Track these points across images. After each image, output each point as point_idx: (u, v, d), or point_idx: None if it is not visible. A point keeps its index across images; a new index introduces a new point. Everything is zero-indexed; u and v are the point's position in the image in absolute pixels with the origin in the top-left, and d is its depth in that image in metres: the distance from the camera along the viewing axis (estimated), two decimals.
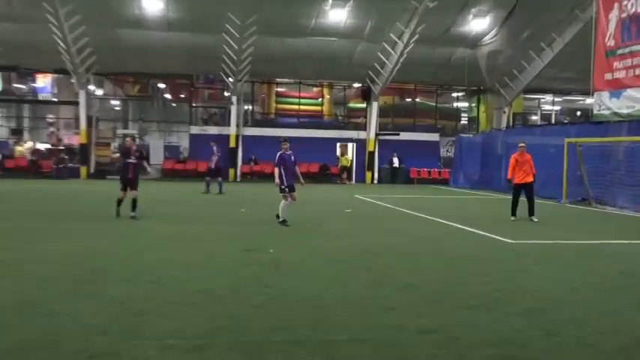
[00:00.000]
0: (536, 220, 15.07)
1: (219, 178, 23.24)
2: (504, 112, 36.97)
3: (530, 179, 15.32)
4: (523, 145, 15.93)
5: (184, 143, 37.69)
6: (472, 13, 30.53)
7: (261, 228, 13.07)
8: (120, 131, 39.60)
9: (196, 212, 16.49)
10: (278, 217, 13.42)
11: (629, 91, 19.99)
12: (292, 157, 13.70)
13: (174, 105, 40.58)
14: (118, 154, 25.72)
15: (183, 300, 6.52)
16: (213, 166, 23.38)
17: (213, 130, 36.55)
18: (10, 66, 35.43)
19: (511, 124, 36.22)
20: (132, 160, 14.32)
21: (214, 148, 23.61)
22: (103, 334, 5.26)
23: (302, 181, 14.01)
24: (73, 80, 33.15)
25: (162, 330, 5.40)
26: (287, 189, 13.32)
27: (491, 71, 35.23)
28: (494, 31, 32.04)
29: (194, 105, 38.11)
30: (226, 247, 10.31)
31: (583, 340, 5.40)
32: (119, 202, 14.14)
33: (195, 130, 36.78)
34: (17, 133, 39.15)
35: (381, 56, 32.68)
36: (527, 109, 41.85)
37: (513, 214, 15.42)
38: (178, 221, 14.10)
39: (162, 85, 39.96)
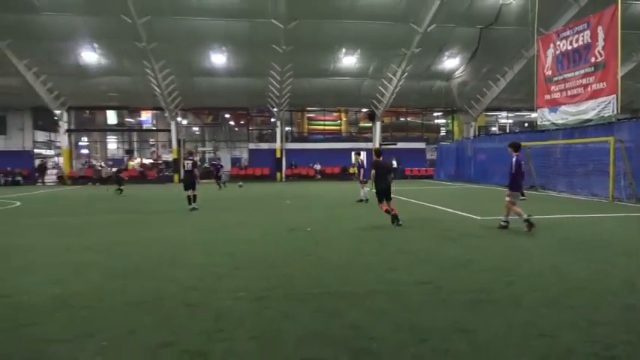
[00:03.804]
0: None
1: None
2: (471, 126, 36.71)
3: None
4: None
5: (245, 155, 38.06)
6: (446, 55, 30.20)
7: (301, 213, 13.08)
8: (200, 149, 40.14)
9: (251, 204, 16.43)
10: (361, 200, 15.60)
11: (563, 107, 19.60)
12: (364, 164, 16.22)
13: (236, 129, 40.97)
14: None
15: (248, 266, 6.54)
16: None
17: (264, 145, 36.83)
18: (123, 106, 36.14)
19: (477, 134, 35.81)
20: None
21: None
22: (195, 290, 5.35)
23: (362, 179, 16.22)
24: (166, 114, 33.69)
25: (234, 287, 5.46)
26: (365, 180, 15.76)
27: (461, 96, 34.89)
28: (462, 67, 31.63)
29: (250, 128, 38.40)
30: (276, 227, 10.29)
31: (535, 287, 5.33)
32: None
33: (252, 145, 37.11)
34: (129, 152, 39.96)
35: (381, 89, 32.60)
36: (488, 123, 41.26)
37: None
38: (238, 211, 14.11)
39: (227, 115, 40.36)
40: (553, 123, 20.26)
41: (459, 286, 5.40)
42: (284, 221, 11.26)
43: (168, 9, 24.34)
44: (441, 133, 41.78)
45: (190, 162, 14.17)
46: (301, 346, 3.79)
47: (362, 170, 16.17)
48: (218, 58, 29.02)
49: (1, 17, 24.35)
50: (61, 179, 34.29)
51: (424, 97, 35.03)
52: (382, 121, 36.86)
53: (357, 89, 33.42)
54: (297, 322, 4.32)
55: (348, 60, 30.00)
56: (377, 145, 36.10)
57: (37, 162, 35.35)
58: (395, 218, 10.11)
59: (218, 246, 8.16)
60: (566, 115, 19.44)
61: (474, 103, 35.08)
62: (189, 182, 13.98)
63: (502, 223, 9.50)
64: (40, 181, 34.19)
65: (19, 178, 33.39)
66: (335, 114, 40.35)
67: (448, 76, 32.84)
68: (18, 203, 17.88)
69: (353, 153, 16.90)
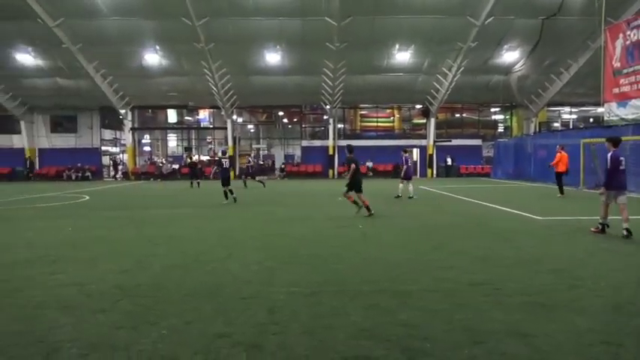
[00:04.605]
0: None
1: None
2: (532, 122, 35.18)
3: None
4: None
5: (297, 152, 38.48)
6: (505, 48, 29.07)
7: (353, 210, 13.01)
8: (254, 146, 40.98)
9: (304, 201, 16.61)
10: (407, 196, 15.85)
11: (634, 101, 18.41)
12: (408, 161, 16.33)
13: (289, 126, 41.44)
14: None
15: (300, 261, 6.62)
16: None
17: (317, 142, 37.07)
18: (182, 105, 37.56)
19: (537, 130, 34.26)
20: None
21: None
22: (249, 283, 5.48)
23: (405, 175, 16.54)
24: (222, 113, 34.67)
25: (287, 281, 5.55)
26: (405, 179, 16.34)
27: (521, 91, 33.47)
28: (522, 60, 30.33)
29: (303, 126, 38.76)
30: (328, 224, 10.32)
31: (598, 292, 5.04)
32: None
33: (305, 143, 37.48)
34: (188, 149, 41.42)
35: (436, 84, 31.86)
36: (549, 119, 39.31)
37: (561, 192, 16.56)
38: (291, 207, 14.28)
39: (281, 113, 40.91)
40: (622, 118, 19.06)
41: (517, 288, 5.19)
42: (335, 218, 11.29)
43: (225, 10, 25.03)
44: (499, 130, 40.35)
45: (228, 160, 15.78)
46: (353, 343, 3.79)
47: (405, 167, 16.22)
48: (272, 57, 29.49)
49: (73, 23, 26.00)
50: (125, 175, 36.25)
51: (481, 92, 33.91)
52: (436, 118, 36.08)
53: (410, 85, 32.87)
54: (349, 318, 4.32)
55: (402, 56, 29.56)
56: (431, 142, 35.40)
57: (110, 158, 37.95)
58: (367, 209, 11.31)
59: (271, 241, 8.30)
60: (636, 109, 18.29)
61: (535, 98, 33.55)
62: (227, 178, 15.51)
63: (624, 228, 8.26)
64: (113, 176, 36.79)
65: (88, 174, 35.60)
66: (388, 111, 39.92)
67: (507, 70, 31.59)
68: (87, 197, 19.05)
69: (402, 151, 16.74)
